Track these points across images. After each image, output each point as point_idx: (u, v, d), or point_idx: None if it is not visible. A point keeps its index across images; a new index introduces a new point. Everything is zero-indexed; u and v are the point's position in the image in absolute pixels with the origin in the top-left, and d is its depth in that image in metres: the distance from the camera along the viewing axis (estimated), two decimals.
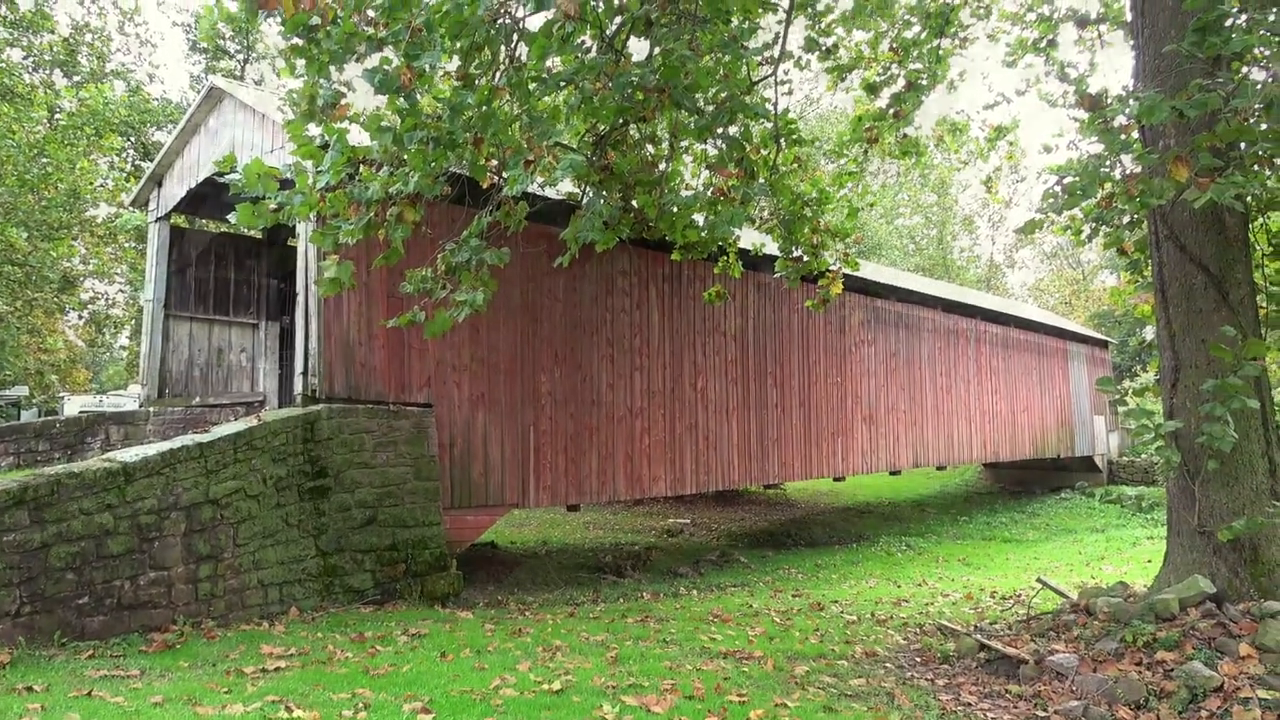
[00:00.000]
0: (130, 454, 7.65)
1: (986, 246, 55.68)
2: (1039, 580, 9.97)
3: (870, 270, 21.42)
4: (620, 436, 13.78)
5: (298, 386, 10.34)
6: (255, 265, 14.03)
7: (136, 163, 26.37)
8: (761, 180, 8.55)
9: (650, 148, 9.97)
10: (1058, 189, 6.65)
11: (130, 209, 13.87)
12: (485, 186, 7.52)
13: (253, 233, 14.55)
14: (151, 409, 12.60)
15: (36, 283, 18.40)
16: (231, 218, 6.74)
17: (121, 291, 21.18)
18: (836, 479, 19.51)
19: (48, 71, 24.15)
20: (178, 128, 12.40)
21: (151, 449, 7.81)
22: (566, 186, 10.99)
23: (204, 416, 13.18)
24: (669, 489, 14.69)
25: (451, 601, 10.86)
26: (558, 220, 10.86)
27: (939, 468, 22.57)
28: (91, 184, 18.27)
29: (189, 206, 13.25)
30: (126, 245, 21.23)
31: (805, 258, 12.18)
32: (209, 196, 13.61)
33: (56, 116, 20.47)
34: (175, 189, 12.54)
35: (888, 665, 7.84)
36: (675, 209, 9.06)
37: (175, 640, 7.40)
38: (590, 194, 8.85)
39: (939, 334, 22.46)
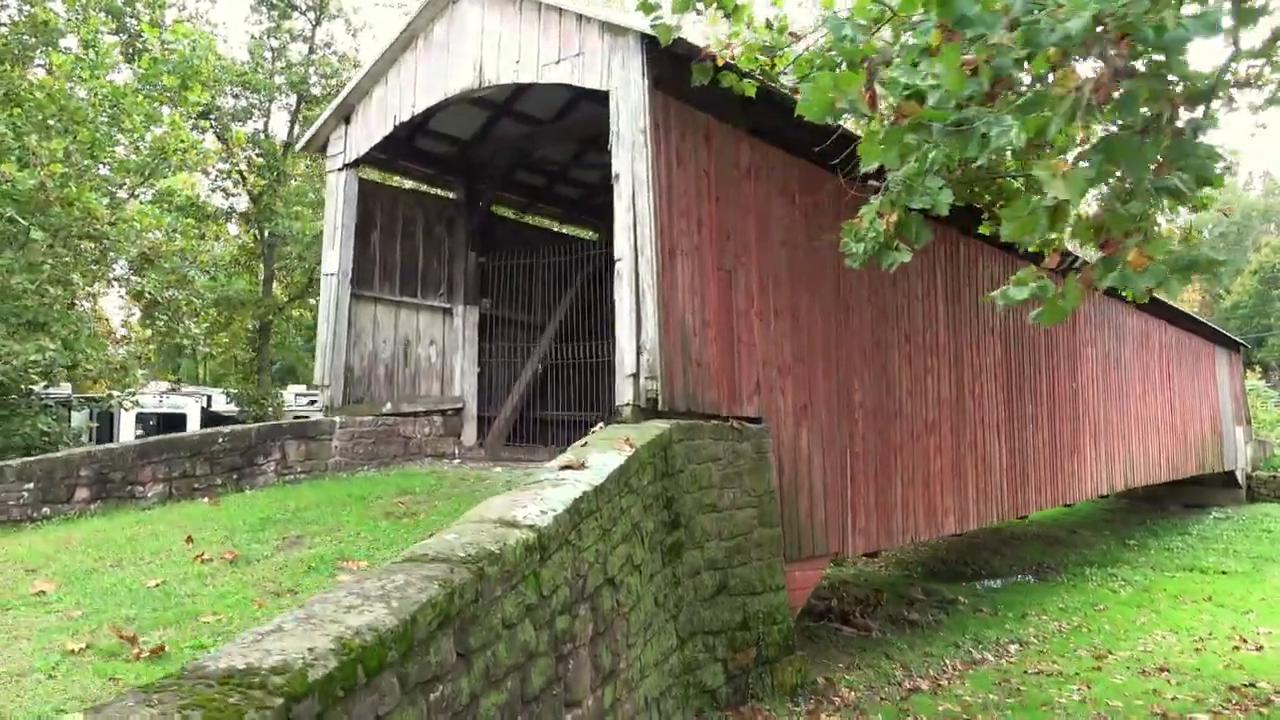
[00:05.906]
0: (532, 510, 4.48)
1: None
2: None
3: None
4: (919, 457, 10.70)
5: (625, 395, 7.17)
6: (447, 234, 10.84)
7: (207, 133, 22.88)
8: None
9: None
10: None
11: (312, 153, 10.37)
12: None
13: (448, 193, 11.34)
14: (337, 419, 9.42)
15: (110, 260, 15.15)
16: (804, 91, 3.63)
17: (207, 272, 17.93)
18: (1066, 506, 16.64)
19: (97, 27, 20.68)
20: (384, 45, 9.19)
21: (554, 499, 4.66)
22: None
23: (396, 428, 10.01)
24: (956, 524, 11.60)
25: (801, 695, 7.76)
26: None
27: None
28: (182, 140, 15.01)
29: (391, 150, 10.04)
30: (206, 221, 17.95)
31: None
32: (409, 139, 10.39)
33: (132, 64, 17.11)
34: (373, 126, 9.30)
35: None
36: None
37: None
38: None
39: (1134, 333, 19.51)
